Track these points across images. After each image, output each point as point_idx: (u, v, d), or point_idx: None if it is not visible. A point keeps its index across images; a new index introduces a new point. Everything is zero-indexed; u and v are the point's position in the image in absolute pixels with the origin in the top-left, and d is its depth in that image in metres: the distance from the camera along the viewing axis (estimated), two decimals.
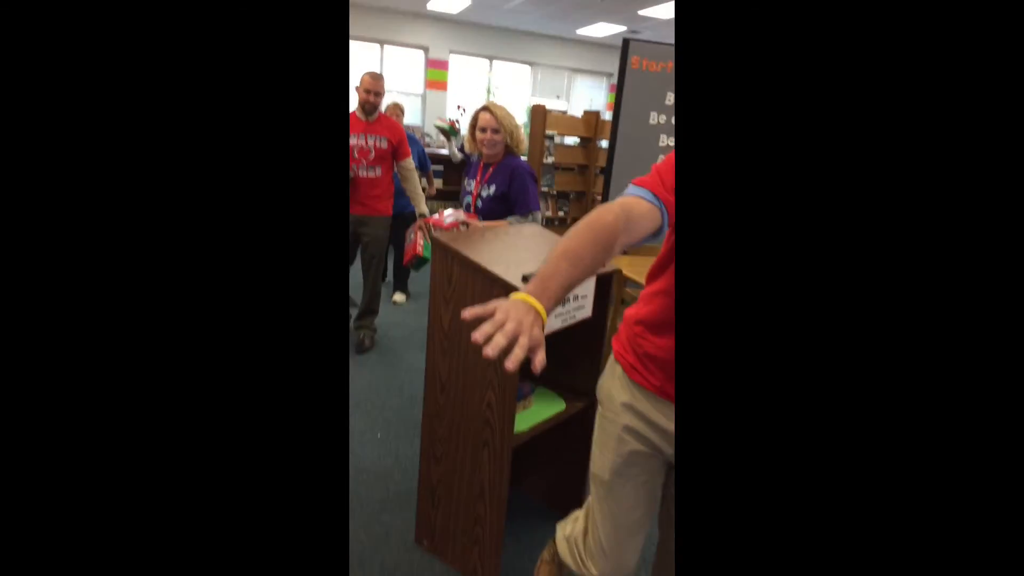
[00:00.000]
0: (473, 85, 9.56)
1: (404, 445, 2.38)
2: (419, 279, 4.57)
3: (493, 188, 2.21)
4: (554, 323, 1.53)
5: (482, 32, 9.38)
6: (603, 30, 8.95)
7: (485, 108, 2.21)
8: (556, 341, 1.69)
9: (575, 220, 5.43)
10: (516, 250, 1.64)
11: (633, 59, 3.61)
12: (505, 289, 1.42)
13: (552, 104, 10.35)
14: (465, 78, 9.57)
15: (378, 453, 2.31)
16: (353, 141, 2.96)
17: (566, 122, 5.11)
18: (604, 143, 5.26)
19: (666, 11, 7.46)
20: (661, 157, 3.97)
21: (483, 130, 2.19)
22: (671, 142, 3.75)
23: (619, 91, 3.65)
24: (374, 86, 2.90)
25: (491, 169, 2.25)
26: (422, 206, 3.14)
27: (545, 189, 5.03)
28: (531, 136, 4.89)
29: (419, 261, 3.07)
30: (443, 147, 6.15)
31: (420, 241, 3.09)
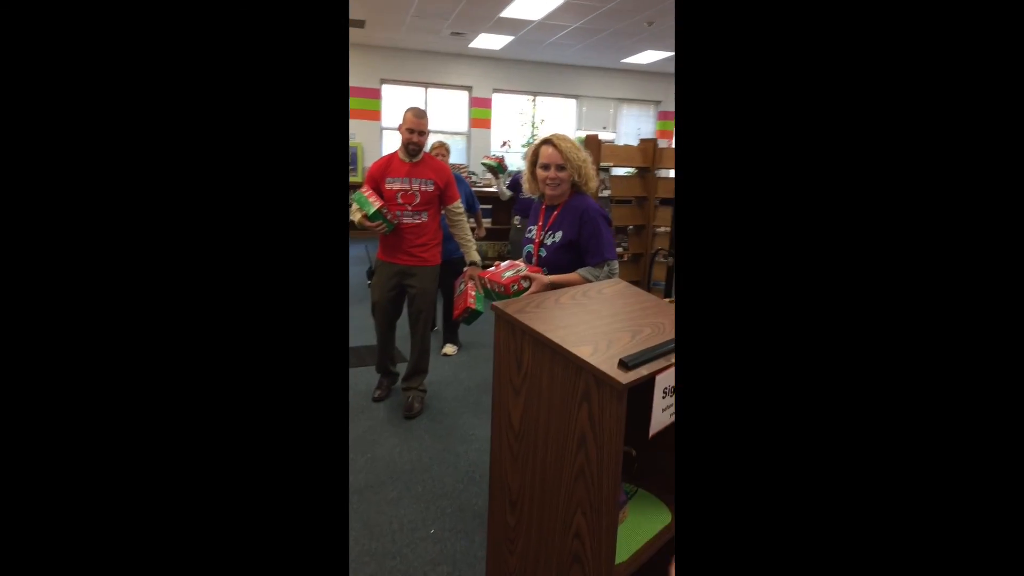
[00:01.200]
0: (517, 121, 9.40)
1: (462, 541, 2.00)
2: (471, 328, 4.24)
3: (559, 235, 1.85)
4: (663, 418, 1.14)
5: (524, 68, 9.25)
6: (649, 57, 8.67)
7: (547, 141, 1.87)
8: (663, 435, 1.29)
9: (636, 257, 5.04)
10: (602, 319, 1.27)
11: None
12: (596, 378, 1.04)
13: (599, 136, 10.11)
14: (509, 114, 9.42)
15: (432, 553, 1.93)
16: (396, 185, 2.69)
17: (621, 152, 4.76)
18: (662, 172, 4.88)
19: None
20: None
21: (545, 167, 1.86)
22: None
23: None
24: (417, 125, 2.64)
25: (556, 212, 1.90)
26: (473, 253, 2.82)
27: None
28: None
29: (471, 315, 2.73)
30: (491, 185, 5.90)
31: (472, 293, 2.77)
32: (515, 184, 5.30)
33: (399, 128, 2.70)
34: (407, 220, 2.72)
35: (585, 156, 1.88)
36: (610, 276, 1.81)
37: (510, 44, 8.16)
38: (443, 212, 2.85)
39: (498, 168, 5.24)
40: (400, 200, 2.70)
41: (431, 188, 2.72)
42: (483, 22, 7.25)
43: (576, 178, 1.87)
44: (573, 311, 1.27)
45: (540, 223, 1.94)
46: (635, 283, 5.03)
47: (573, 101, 9.83)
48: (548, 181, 1.86)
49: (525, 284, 1.80)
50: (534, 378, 1.17)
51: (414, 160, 2.71)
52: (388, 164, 2.73)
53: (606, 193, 4.61)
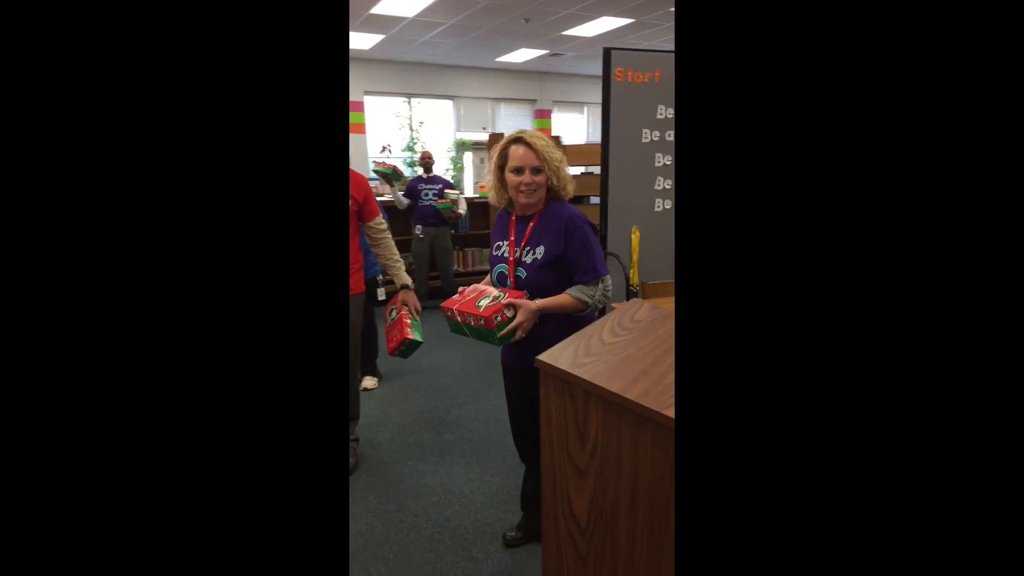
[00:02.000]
0: (395, 124, 8.91)
1: None
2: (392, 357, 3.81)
3: (541, 250, 1.56)
4: None
5: (397, 69, 8.78)
6: (524, 55, 8.61)
7: (518, 140, 1.57)
8: None
9: None
10: (672, 358, 1.00)
11: (617, 71, 3.11)
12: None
13: (478, 136, 9.90)
14: (384, 117, 8.90)
15: None
16: None
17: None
18: (572, 170, 4.75)
19: (590, 29, 7.20)
20: (659, 180, 3.51)
21: (518, 171, 1.55)
22: (668, 161, 3.27)
23: (605, 109, 3.14)
24: None
25: (532, 224, 1.60)
26: (403, 275, 2.44)
27: None
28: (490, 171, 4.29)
29: (410, 346, 2.36)
30: (383, 193, 5.44)
31: (407, 321, 2.39)
32: (412, 192, 4.91)
33: None
34: None
35: (561, 155, 1.60)
36: (605, 295, 1.56)
37: (380, 43, 7.67)
38: (362, 230, 2.44)
39: (393, 175, 4.81)
40: None
41: (348, 204, 2.30)
42: (351, 19, 6.71)
43: (554, 181, 1.58)
44: (632, 352, 0.99)
45: (512, 237, 1.63)
46: None
47: (450, 102, 9.53)
48: (523, 187, 1.55)
49: (509, 314, 1.49)
50: (609, 453, 0.87)
51: None
52: None
53: None
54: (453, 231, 5.19)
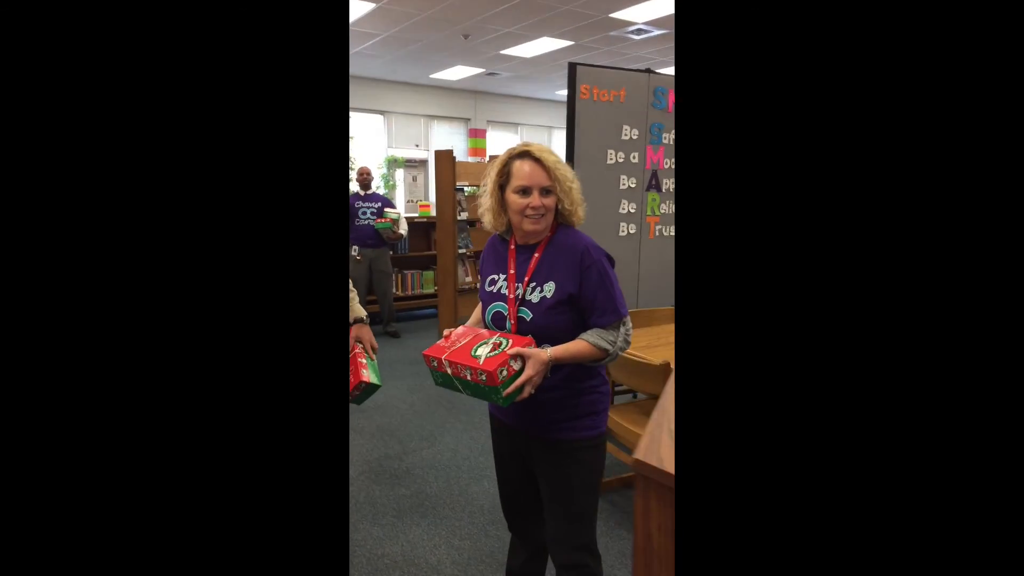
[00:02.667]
0: None
1: None
2: None
3: (551, 287, 1.29)
4: None
5: None
6: (459, 73, 8.42)
7: (525, 154, 1.31)
8: None
9: None
10: None
11: (582, 88, 2.94)
12: None
13: (411, 153, 9.57)
14: None
15: None
16: None
17: (476, 170, 4.31)
18: None
19: (529, 49, 7.12)
20: (624, 203, 3.36)
21: (524, 191, 1.29)
22: (632, 183, 3.12)
23: (570, 127, 2.95)
24: None
25: (537, 255, 1.34)
26: (356, 306, 2.10)
27: (463, 251, 4.16)
28: (440, 190, 4.01)
29: (366, 391, 2.02)
30: None
31: (362, 361, 2.04)
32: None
33: None
34: None
35: (573, 173, 1.35)
36: (627, 340, 1.31)
37: None
38: None
39: None
40: None
41: None
42: None
43: (565, 204, 1.33)
44: None
45: (512, 270, 1.36)
46: None
47: (381, 117, 9.15)
48: (530, 212, 1.29)
49: (516, 366, 1.21)
50: None
51: None
52: None
53: (463, 216, 4.11)
54: (392, 252, 4.83)
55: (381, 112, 9.11)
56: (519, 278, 1.34)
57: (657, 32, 6.45)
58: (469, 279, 4.26)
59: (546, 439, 1.34)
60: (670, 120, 3.17)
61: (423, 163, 9.64)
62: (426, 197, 9.51)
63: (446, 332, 1.38)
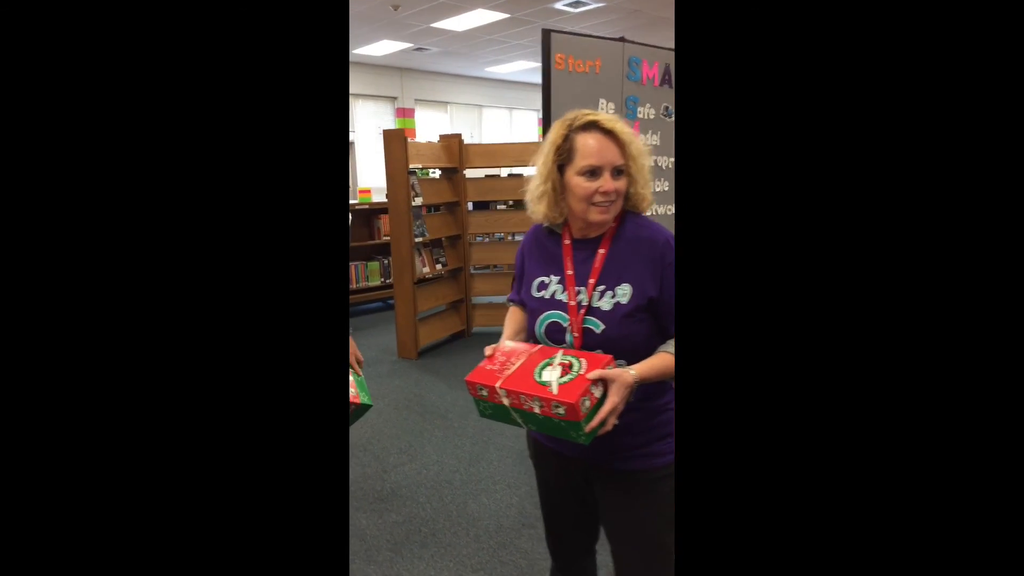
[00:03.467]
0: None
1: None
2: None
3: (626, 291, 1.05)
4: None
5: None
6: (385, 48, 7.90)
7: (591, 125, 1.04)
8: None
9: (453, 273, 4.33)
10: None
11: (557, 57, 2.69)
12: None
13: None
14: None
15: None
16: None
17: (428, 152, 3.97)
18: (470, 172, 4.26)
19: (462, 22, 6.75)
20: None
21: (592, 173, 1.03)
22: None
23: (546, 99, 2.70)
24: None
25: (603, 252, 1.09)
26: None
27: (419, 239, 3.84)
28: (392, 173, 3.66)
29: (357, 412, 1.72)
30: None
31: (350, 379, 1.74)
32: None
33: None
34: None
35: (646, 146, 1.10)
36: None
37: None
38: None
39: None
40: None
41: None
42: None
43: (637, 187, 1.08)
44: None
45: (569, 271, 1.10)
46: (458, 302, 4.34)
47: None
48: (600, 199, 1.04)
49: (598, 393, 0.97)
50: None
51: None
52: None
53: (418, 201, 3.78)
54: None
55: None
56: (580, 280, 1.09)
57: (595, 5, 6.27)
58: (426, 269, 3.95)
59: (616, 470, 1.12)
60: (645, 93, 3.00)
61: (350, 145, 9.06)
62: (353, 180, 8.96)
63: (488, 350, 1.11)
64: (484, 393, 1.04)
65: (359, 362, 1.76)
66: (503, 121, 11.03)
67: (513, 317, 1.27)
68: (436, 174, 4.26)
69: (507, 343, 1.14)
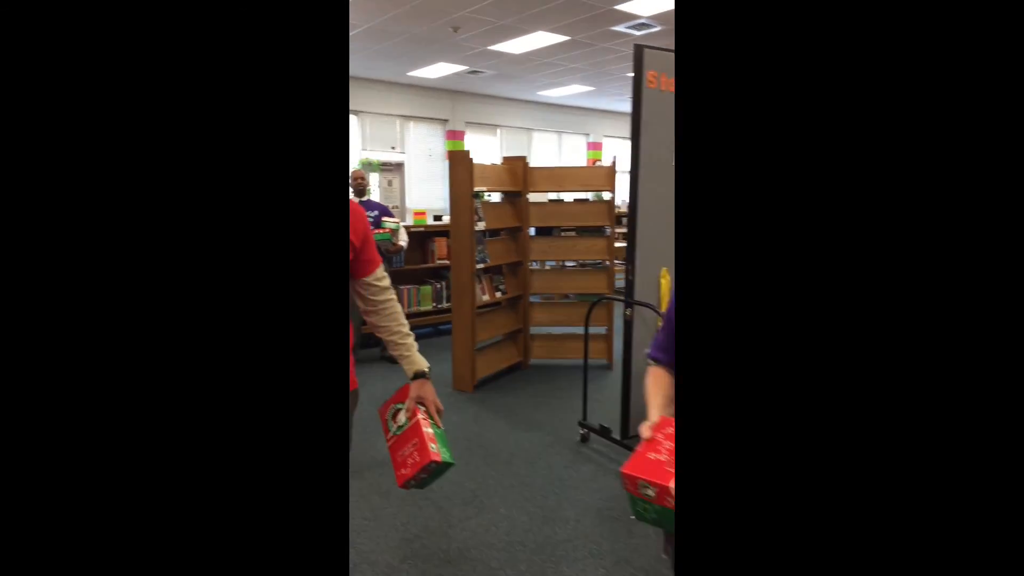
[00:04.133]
0: None
1: None
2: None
3: None
4: None
5: None
6: (440, 70, 7.87)
7: None
8: None
9: (511, 302, 4.10)
10: None
11: (649, 75, 2.47)
12: None
13: (386, 156, 8.94)
14: None
15: None
16: None
17: (493, 174, 3.79)
18: (533, 196, 4.06)
19: (520, 45, 6.65)
20: None
21: None
22: None
23: (635, 120, 2.48)
24: None
25: None
26: (416, 357, 1.57)
27: (480, 265, 3.63)
28: (456, 196, 3.48)
29: (436, 471, 1.48)
30: None
31: (427, 430, 1.50)
32: None
33: None
34: None
35: None
36: None
37: None
38: (354, 291, 1.53)
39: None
40: None
41: None
42: None
43: None
44: None
45: None
46: (516, 332, 4.10)
47: (354, 118, 8.50)
48: None
49: None
50: None
51: None
52: None
53: (481, 226, 3.59)
54: (388, 266, 4.27)
55: (354, 112, 8.46)
56: None
57: (658, 28, 6.08)
58: (486, 297, 3.74)
59: None
60: None
61: (399, 166, 9.04)
62: (402, 202, 8.91)
63: (645, 431, 0.87)
64: (650, 493, 0.80)
65: (439, 411, 1.54)
66: (552, 145, 10.89)
67: (659, 382, 1.03)
68: (496, 197, 4.06)
69: (663, 421, 0.89)
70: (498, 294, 3.84)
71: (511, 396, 3.60)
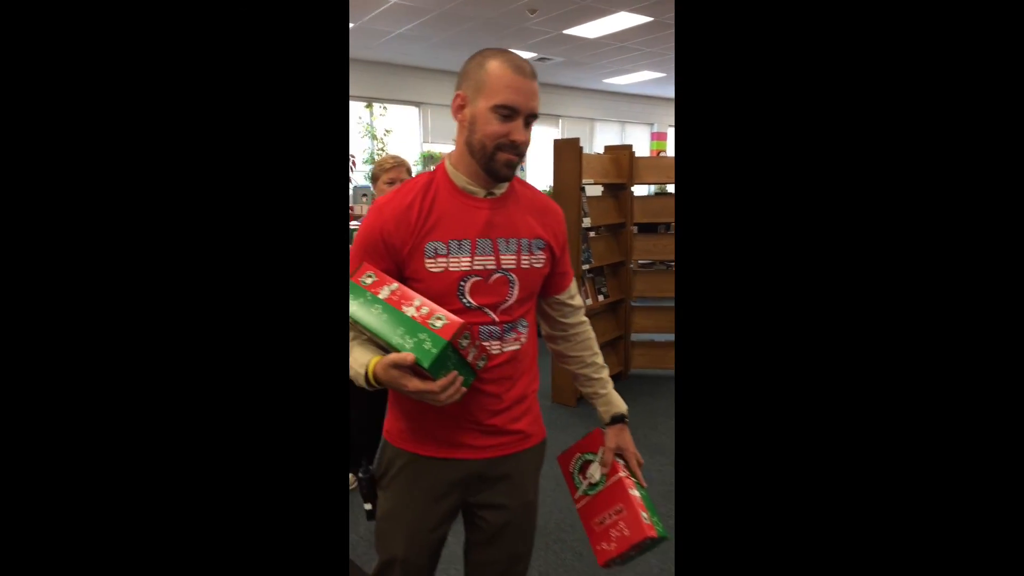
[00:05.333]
0: (355, 131, 7.53)
1: None
2: None
3: None
4: None
5: (359, 68, 7.44)
6: None
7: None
8: None
9: (612, 306, 3.73)
10: None
11: None
12: None
13: (447, 149, 8.69)
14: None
15: None
16: (463, 261, 1.00)
17: (597, 165, 3.43)
18: (639, 189, 3.68)
19: (598, 27, 6.26)
20: None
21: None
22: None
23: None
24: (527, 88, 0.99)
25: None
26: (615, 398, 1.24)
27: (585, 266, 3.28)
28: (561, 189, 3.14)
29: (645, 548, 1.16)
30: None
31: (634, 494, 1.18)
32: None
33: (458, 106, 1.03)
34: (493, 349, 1.03)
35: None
36: None
37: None
38: (540, 313, 1.21)
39: None
40: (473, 300, 1.00)
41: (541, 256, 1.08)
42: None
43: None
44: None
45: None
46: (616, 340, 3.75)
47: (415, 109, 8.27)
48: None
49: None
50: None
51: (497, 190, 1.05)
52: (418, 206, 1.01)
53: (587, 222, 3.24)
54: None
55: (416, 104, 8.23)
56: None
57: None
58: (589, 301, 3.40)
59: None
60: None
61: None
62: None
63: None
64: None
65: (639, 464, 1.21)
66: (614, 136, 10.45)
67: None
68: (598, 191, 3.71)
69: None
70: (600, 297, 3.49)
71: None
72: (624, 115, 10.37)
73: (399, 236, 0.98)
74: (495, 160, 0.98)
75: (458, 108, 1.01)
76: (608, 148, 3.63)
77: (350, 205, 4.25)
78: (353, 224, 3.95)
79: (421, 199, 1.00)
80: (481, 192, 1.03)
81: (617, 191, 3.62)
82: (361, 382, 0.93)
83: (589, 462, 1.23)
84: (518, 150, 0.98)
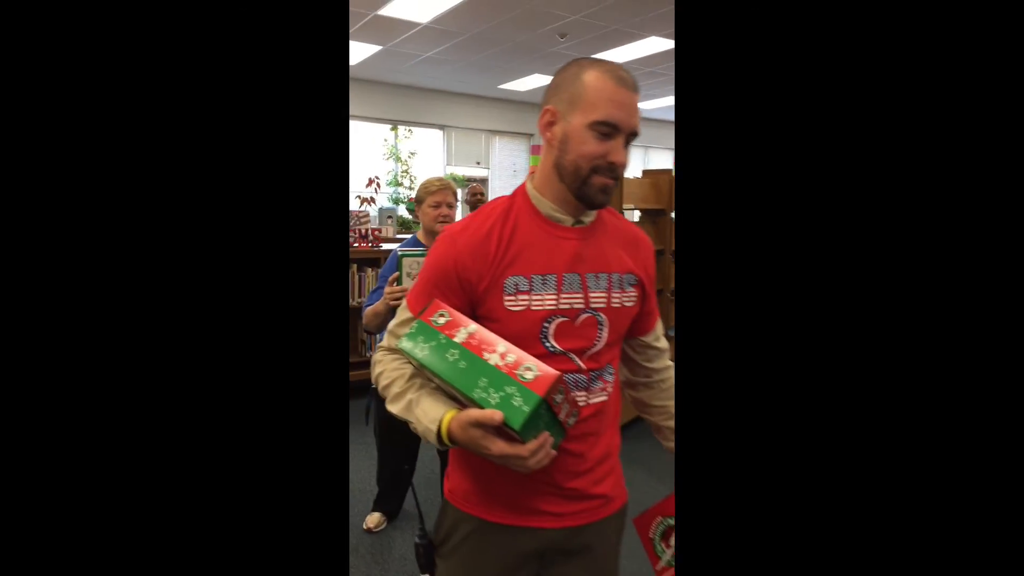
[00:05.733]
0: (379, 153, 7.52)
1: None
2: None
3: None
4: None
5: (384, 91, 7.46)
6: (532, 83, 7.52)
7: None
8: None
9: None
10: None
11: None
12: None
13: (471, 172, 8.66)
14: (367, 145, 7.49)
15: None
16: (548, 299, 0.87)
17: (637, 189, 3.31)
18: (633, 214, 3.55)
19: (627, 52, 6.20)
20: None
21: None
22: None
23: None
24: (629, 100, 0.86)
25: None
26: None
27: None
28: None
29: None
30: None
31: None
32: None
33: (547, 122, 0.89)
34: (579, 402, 0.89)
35: None
36: None
37: (370, 59, 6.36)
38: (625, 357, 1.07)
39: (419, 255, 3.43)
40: (557, 344, 0.87)
41: (633, 293, 0.95)
42: (352, 22, 5.37)
43: None
44: None
45: None
46: None
47: (440, 132, 8.27)
48: None
49: None
50: None
51: (586, 219, 0.92)
52: (497, 235, 0.88)
53: None
54: None
55: (441, 127, 8.22)
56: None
57: None
58: None
59: None
60: None
61: (484, 182, 8.72)
62: None
63: None
64: None
65: None
66: (637, 161, 10.37)
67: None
68: (634, 216, 3.58)
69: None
70: None
71: (654, 444, 3.08)
72: (647, 140, 10.30)
73: (475, 270, 0.86)
74: (589, 184, 0.85)
75: (547, 125, 0.88)
76: (646, 172, 3.51)
77: (376, 227, 4.16)
78: (384, 246, 3.83)
79: (500, 227, 0.88)
80: (568, 220, 0.90)
81: (655, 217, 3.49)
82: (431, 439, 0.80)
83: (671, 527, 1.08)
84: (615, 173, 0.85)
